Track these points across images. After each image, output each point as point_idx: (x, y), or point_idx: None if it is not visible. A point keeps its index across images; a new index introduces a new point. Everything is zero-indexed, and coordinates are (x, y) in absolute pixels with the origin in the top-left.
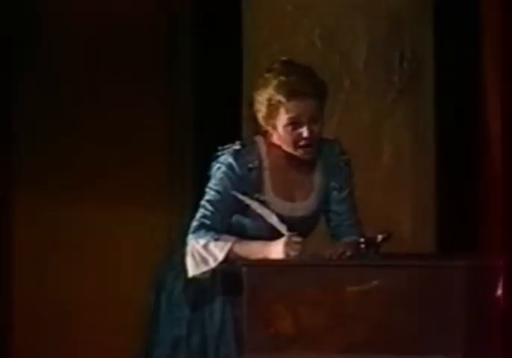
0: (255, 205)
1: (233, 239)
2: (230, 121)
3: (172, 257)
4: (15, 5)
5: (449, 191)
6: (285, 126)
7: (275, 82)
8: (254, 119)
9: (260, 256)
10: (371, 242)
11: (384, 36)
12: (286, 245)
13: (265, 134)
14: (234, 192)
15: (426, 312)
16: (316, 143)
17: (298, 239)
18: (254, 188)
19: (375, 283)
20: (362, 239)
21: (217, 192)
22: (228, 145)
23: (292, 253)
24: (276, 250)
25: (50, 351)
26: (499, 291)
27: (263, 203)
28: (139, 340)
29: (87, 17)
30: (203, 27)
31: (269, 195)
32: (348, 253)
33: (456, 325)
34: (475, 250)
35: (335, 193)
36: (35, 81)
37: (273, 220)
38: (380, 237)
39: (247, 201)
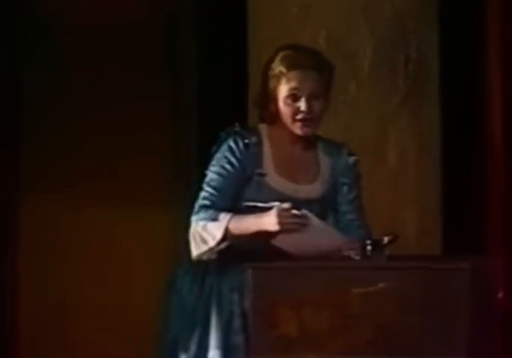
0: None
1: (229, 216)
2: (233, 122)
3: (181, 256)
4: (15, 5)
5: (454, 193)
6: (285, 98)
7: (281, 54)
8: (262, 105)
9: (254, 228)
10: (377, 244)
11: (388, 38)
12: (278, 215)
13: (269, 121)
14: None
15: (430, 314)
16: (315, 121)
17: (288, 206)
18: (254, 163)
19: (380, 285)
20: (368, 241)
21: (217, 173)
22: (229, 128)
23: (287, 224)
24: (269, 221)
25: (52, 351)
26: (504, 294)
27: (264, 176)
28: (146, 339)
29: (87, 17)
30: (208, 27)
31: (269, 169)
32: (356, 255)
33: (460, 327)
34: (481, 252)
35: (345, 189)
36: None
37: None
38: (386, 239)
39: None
